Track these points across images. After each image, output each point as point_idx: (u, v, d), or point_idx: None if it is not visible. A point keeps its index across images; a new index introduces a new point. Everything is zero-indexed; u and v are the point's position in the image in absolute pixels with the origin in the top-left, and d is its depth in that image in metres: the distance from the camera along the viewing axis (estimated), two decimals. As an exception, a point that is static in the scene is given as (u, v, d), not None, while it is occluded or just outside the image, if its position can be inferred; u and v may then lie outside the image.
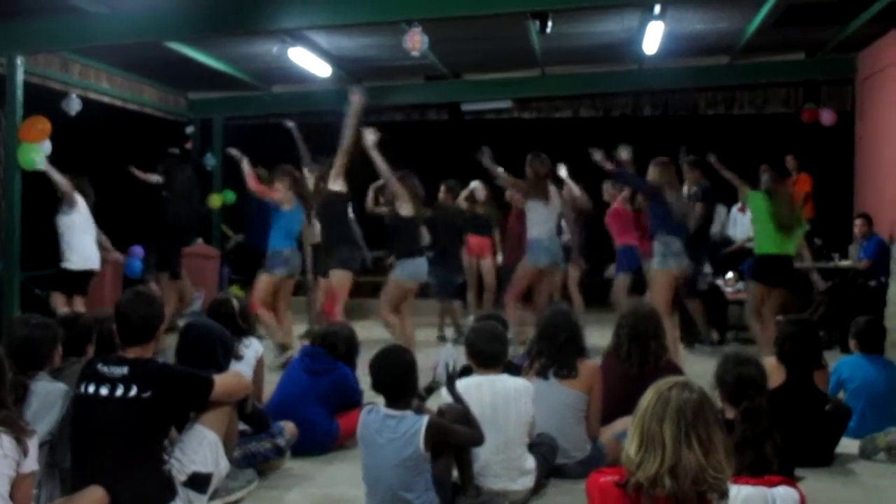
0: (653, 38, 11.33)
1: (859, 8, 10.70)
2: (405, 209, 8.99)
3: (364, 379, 6.61)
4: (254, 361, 6.26)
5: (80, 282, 9.85)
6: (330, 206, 9.49)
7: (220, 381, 4.87)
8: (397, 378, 4.69)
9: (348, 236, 9.66)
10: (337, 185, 9.23)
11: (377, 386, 4.73)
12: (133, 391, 4.40)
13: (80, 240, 9.83)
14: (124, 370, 4.46)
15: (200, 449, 4.76)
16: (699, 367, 7.03)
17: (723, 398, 4.55)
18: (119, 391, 4.41)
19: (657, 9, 10.02)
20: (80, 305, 9.55)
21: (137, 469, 4.44)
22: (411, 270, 9.00)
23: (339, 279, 9.30)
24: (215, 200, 14.87)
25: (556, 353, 5.67)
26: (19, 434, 3.84)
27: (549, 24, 9.80)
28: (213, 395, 4.75)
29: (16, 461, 3.81)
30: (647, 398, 3.30)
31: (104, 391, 4.43)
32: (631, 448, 3.26)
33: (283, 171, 9.86)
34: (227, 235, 14.79)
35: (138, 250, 11.56)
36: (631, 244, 10.47)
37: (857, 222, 11.09)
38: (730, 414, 4.42)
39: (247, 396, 5.33)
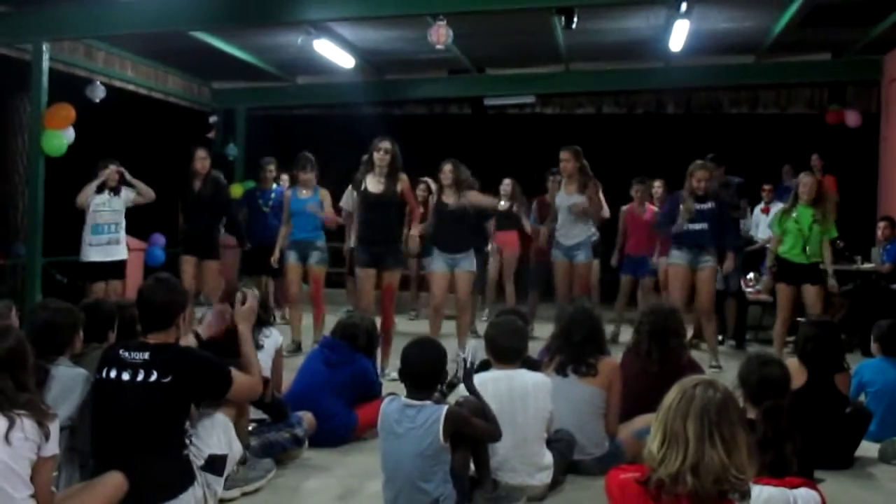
0: (678, 35, 11.27)
1: (887, 9, 10.63)
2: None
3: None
4: (273, 351, 6.26)
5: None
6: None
7: (238, 381, 4.82)
8: (429, 368, 4.70)
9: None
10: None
11: (405, 374, 4.73)
12: (153, 376, 4.41)
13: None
14: (145, 355, 4.46)
15: (213, 431, 4.78)
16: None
17: (745, 398, 4.53)
18: (140, 376, 4.42)
19: (683, 6, 9.96)
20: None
21: (157, 454, 4.45)
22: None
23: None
24: (237, 190, 14.88)
25: (575, 350, 5.66)
26: (41, 418, 3.85)
27: (575, 19, 9.77)
28: (230, 392, 4.76)
29: (37, 444, 3.83)
30: (672, 395, 3.28)
31: (126, 376, 4.44)
32: (653, 444, 3.24)
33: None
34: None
35: (159, 238, 11.60)
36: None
37: (881, 225, 11.02)
38: (752, 414, 4.40)
39: (266, 385, 5.33)
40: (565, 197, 9.72)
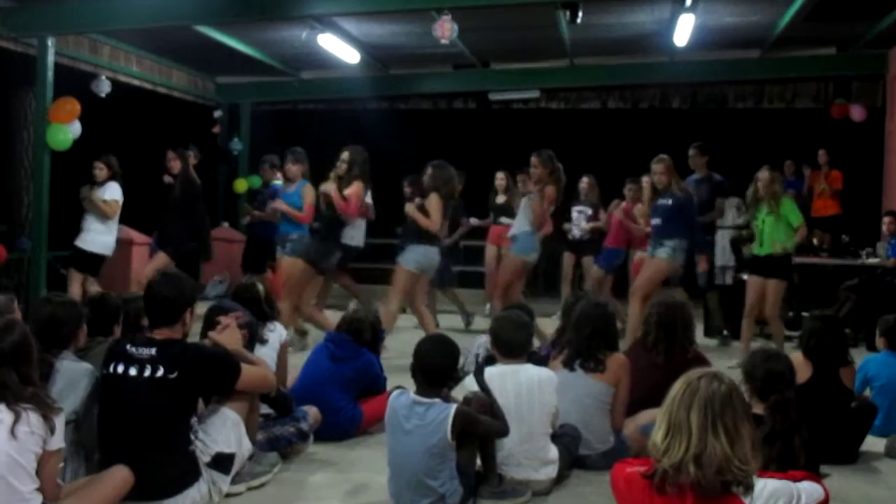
0: (683, 30, 11.27)
1: (892, 4, 10.61)
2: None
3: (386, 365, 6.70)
4: (278, 345, 6.27)
5: None
6: None
7: (247, 371, 4.86)
8: (442, 364, 4.71)
9: None
10: None
11: (418, 369, 4.73)
12: (160, 372, 4.43)
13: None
14: (152, 351, 4.48)
15: (223, 429, 4.78)
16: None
17: (751, 393, 4.53)
18: (147, 372, 4.44)
19: (689, 0, 9.96)
20: None
21: (163, 449, 4.46)
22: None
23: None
24: (241, 185, 14.92)
25: (584, 345, 5.65)
26: (46, 411, 3.86)
27: (580, 14, 9.77)
28: (238, 383, 4.76)
29: (42, 438, 3.84)
30: (677, 387, 3.30)
31: (132, 371, 4.45)
32: (658, 435, 3.26)
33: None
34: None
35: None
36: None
37: (886, 220, 10.99)
38: (757, 408, 4.40)
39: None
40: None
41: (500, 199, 11.94)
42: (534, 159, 9.20)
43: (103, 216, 9.78)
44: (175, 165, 10.05)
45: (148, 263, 10.25)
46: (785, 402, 4.31)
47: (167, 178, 10.18)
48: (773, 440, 4.11)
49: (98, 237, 9.79)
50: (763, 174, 8.91)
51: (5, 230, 12.24)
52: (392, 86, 15.23)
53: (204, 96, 15.33)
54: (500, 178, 11.99)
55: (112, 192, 9.79)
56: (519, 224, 9.20)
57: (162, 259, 9.91)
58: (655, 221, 9.13)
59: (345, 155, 8.78)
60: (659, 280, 9.21)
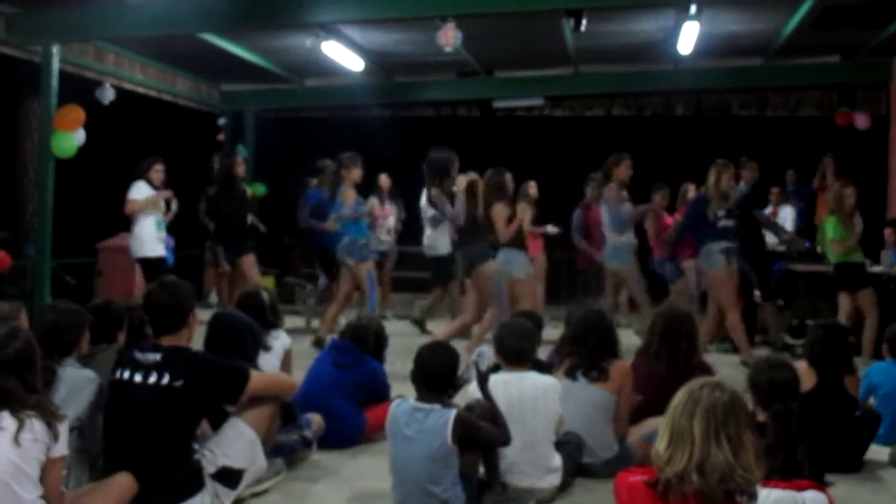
0: (688, 37, 11.27)
1: (896, 12, 10.63)
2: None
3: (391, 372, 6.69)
4: (282, 353, 6.29)
5: None
6: None
7: (260, 376, 4.87)
8: (442, 371, 4.72)
9: None
10: None
11: (418, 376, 4.73)
12: (165, 379, 4.42)
13: None
14: (157, 357, 4.48)
15: (236, 444, 4.75)
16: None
17: (755, 402, 4.52)
18: (152, 378, 4.43)
19: (693, 8, 9.97)
20: None
21: (166, 457, 4.45)
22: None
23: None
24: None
25: (587, 355, 5.65)
26: (50, 418, 3.85)
27: (584, 22, 9.78)
28: (248, 389, 4.74)
29: (46, 445, 3.83)
30: (679, 396, 3.30)
31: (138, 377, 4.45)
32: (661, 444, 3.26)
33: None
34: (257, 227, 14.82)
35: (169, 240, 11.61)
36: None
37: (887, 231, 10.99)
38: (761, 417, 4.39)
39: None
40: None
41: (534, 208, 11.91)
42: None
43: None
44: (241, 170, 10.20)
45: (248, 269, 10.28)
46: (787, 413, 4.30)
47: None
48: (776, 451, 4.10)
49: None
50: (851, 190, 9.21)
51: (10, 237, 12.26)
52: (396, 93, 15.26)
53: (208, 103, 15.34)
54: (533, 188, 11.98)
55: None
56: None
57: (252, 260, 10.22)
58: (730, 224, 9.31)
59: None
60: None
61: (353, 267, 9.78)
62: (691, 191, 10.76)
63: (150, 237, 9.72)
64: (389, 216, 12.55)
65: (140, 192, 9.71)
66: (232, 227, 10.47)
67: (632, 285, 9.91)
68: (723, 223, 9.40)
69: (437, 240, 10.97)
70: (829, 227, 9.67)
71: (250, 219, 11.15)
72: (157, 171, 9.83)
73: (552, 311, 10.50)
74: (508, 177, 8.95)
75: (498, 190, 8.82)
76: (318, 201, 11.28)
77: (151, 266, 9.77)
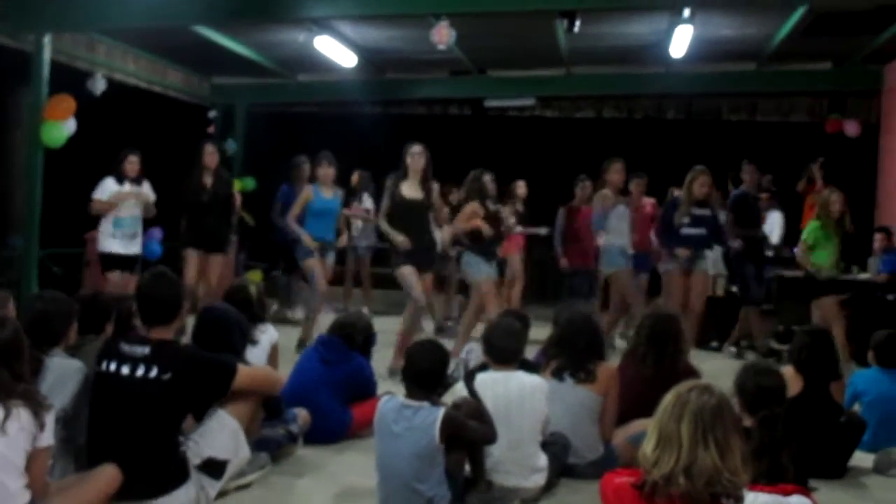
0: (680, 41, 11.30)
1: (888, 20, 10.65)
2: None
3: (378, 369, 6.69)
4: (269, 347, 6.30)
5: None
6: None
7: (246, 371, 4.89)
8: (431, 369, 4.73)
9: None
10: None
11: (407, 373, 4.74)
12: (154, 372, 4.43)
13: None
14: (146, 350, 4.48)
15: (220, 435, 4.77)
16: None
17: (741, 406, 4.53)
18: (140, 371, 4.44)
19: (686, 12, 10.00)
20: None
21: (152, 450, 4.46)
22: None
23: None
24: (234, 186, 14.88)
25: (574, 356, 5.66)
26: (37, 408, 3.85)
27: (577, 23, 9.78)
28: (235, 383, 4.75)
29: (32, 435, 3.82)
30: (667, 399, 3.32)
31: (125, 370, 4.45)
32: (648, 446, 3.28)
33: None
34: (246, 221, 14.80)
35: (157, 232, 11.58)
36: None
37: (877, 237, 11.04)
38: (747, 422, 4.40)
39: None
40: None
41: (520, 207, 11.92)
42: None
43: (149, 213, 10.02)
44: (213, 160, 9.98)
45: (210, 268, 10.04)
46: (773, 418, 4.31)
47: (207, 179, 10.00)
48: (762, 455, 4.12)
49: None
50: (837, 195, 9.26)
51: (-3, 227, 12.22)
52: (388, 90, 15.24)
53: (199, 96, 15.30)
54: (521, 187, 12.00)
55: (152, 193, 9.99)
56: None
57: (223, 262, 10.07)
58: (698, 231, 9.29)
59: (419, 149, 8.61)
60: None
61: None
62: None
63: (106, 233, 9.66)
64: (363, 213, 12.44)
65: (104, 190, 9.62)
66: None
67: (622, 289, 9.91)
68: (686, 231, 9.48)
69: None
70: (806, 231, 9.79)
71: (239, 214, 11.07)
72: (131, 163, 9.68)
73: (539, 312, 10.51)
74: (487, 178, 8.98)
75: (475, 191, 8.93)
76: (286, 198, 11.26)
77: (105, 260, 9.79)
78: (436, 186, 8.76)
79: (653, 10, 10.70)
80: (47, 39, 10.26)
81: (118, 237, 9.66)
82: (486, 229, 8.69)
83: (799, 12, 10.34)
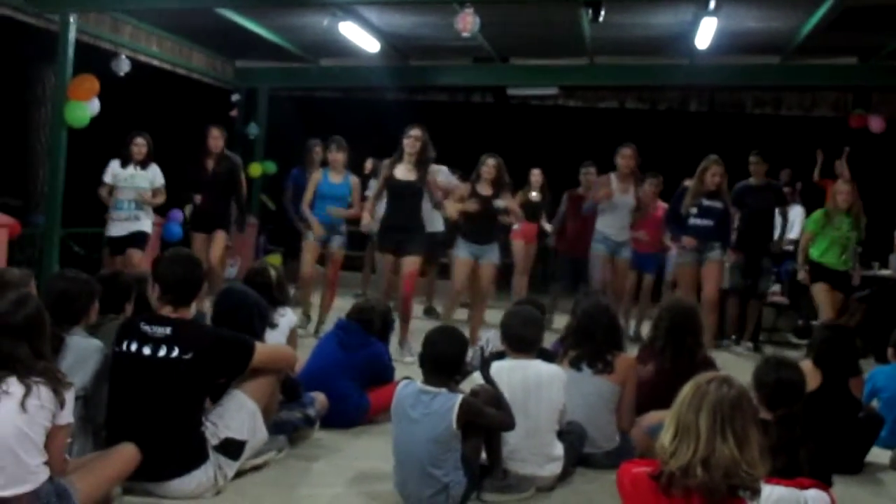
0: (705, 33, 11.24)
1: (917, 15, 10.57)
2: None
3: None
4: (287, 330, 6.34)
5: None
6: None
7: (263, 348, 4.92)
8: (450, 355, 4.73)
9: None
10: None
11: (426, 359, 4.75)
12: (175, 352, 4.46)
13: None
14: (167, 330, 4.51)
15: (238, 416, 4.78)
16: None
17: (760, 400, 4.52)
18: (162, 352, 4.46)
19: (712, 4, 9.95)
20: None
21: (173, 430, 4.49)
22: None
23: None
24: (255, 170, 14.93)
25: (593, 346, 5.66)
26: (57, 386, 3.86)
27: (602, 12, 9.74)
28: (253, 361, 4.77)
29: (52, 412, 3.84)
30: (686, 391, 3.31)
31: (147, 351, 4.48)
32: (666, 437, 3.27)
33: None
34: (267, 205, 14.83)
35: (177, 214, 11.62)
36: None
37: (896, 235, 10.97)
38: (765, 415, 4.39)
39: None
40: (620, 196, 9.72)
41: (535, 196, 11.93)
42: (627, 150, 9.72)
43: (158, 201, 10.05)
44: (219, 144, 9.99)
45: (210, 246, 10.02)
46: (792, 417, 4.31)
47: (210, 163, 10.02)
48: (779, 452, 4.11)
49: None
50: (844, 186, 9.13)
51: (20, 205, 12.28)
52: (411, 77, 15.21)
53: (222, 79, 15.32)
54: (536, 175, 11.98)
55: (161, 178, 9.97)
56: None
57: (223, 240, 10.04)
58: (705, 223, 9.24)
59: (417, 132, 8.65)
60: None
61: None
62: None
63: (110, 217, 9.78)
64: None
65: (108, 174, 9.72)
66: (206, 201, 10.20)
67: (591, 271, 9.85)
68: (694, 221, 9.41)
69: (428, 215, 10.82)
70: (809, 220, 9.76)
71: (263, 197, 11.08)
72: (137, 146, 9.69)
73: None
74: (491, 162, 8.89)
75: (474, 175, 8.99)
76: (297, 181, 11.27)
77: (110, 244, 9.92)
78: (443, 169, 8.76)
79: (678, 2, 10.65)
80: (72, 19, 10.30)
81: (115, 220, 9.72)
82: (467, 207, 8.68)
83: (826, 6, 10.27)
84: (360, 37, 12.44)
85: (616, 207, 9.64)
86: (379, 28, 12.63)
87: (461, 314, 9.94)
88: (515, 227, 10.97)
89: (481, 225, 8.84)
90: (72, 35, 10.29)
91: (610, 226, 9.67)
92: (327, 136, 9.97)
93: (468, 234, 8.90)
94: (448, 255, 11.26)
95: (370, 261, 12.75)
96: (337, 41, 12.76)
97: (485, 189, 8.85)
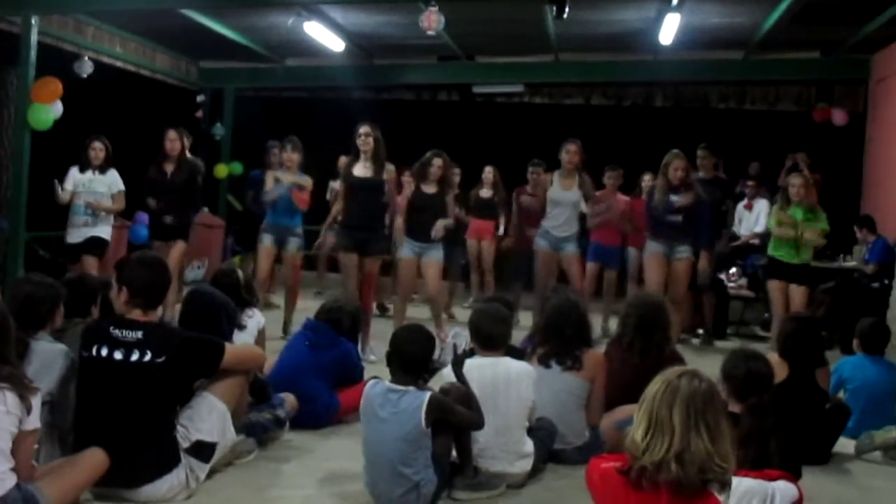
0: (669, 29, 11.29)
1: (877, 9, 10.65)
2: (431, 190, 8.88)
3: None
4: (255, 332, 6.32)
5: None
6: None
7: (232, 349, 4.91)
8: (417, 353, 4.73)
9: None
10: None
11: (393, 357, 4.75)
12: (148, 356, 4.44)
13: None
14: (139, 334, 4.49)
15: (209, 418, 4.76)
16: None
17: (729, 392, 4.55)
18: (134, 356, 4.45)
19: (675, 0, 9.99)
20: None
21: (145, 435, 4.47)
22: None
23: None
24: (221, 171, 14.88)
25: (561, 344, 5.68)
26: (23, 391, 3.83)
27: (566, 10, 9.74)
28: (224, 361, 4.76)
29: (18, 418, 3.80)
30: (656, 386, 3.31)
31: (118, 355, 4.45)
32: (637, 433, 3.27)
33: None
34: (233, 206, 14.77)
35: (144, 217, 11.54)
36: None
37: (861, 230, 11.00)
38: (734, 408, 4.42)
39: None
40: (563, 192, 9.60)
41: (486, 193, 12.00)
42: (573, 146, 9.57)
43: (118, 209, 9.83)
44: (176, 147, 9.73)
45: (168, 255, 9.50)
46: (763, 407, 4.34)
47: (168, 167, 9.75)
48: (749, 442, 4.14)
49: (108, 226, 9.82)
50: (797, 179, 9.10)
51: (-17, 209, 12.17)
52: (376, 76, 15.20)
53: (187, 80, 15.25)
54: (487, 172, 12.04)
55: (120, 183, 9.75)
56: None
57: (181, 250, 9.77)
58: (674, 219, 9.20)
59: (367, 129, 8.62)
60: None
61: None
62: (647, 181, 10.77)
63: (69, 224, 9.61)
64: None
65: (68, 180, 9.52)
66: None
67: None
68: (669, 217, 9.35)
69: None
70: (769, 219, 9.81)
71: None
72: (94, 150, 9.51)
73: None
74: (437, 161, 8.80)
75: (416, 174, 8.98)
76: (254, 184, 11.25)
77: (67, 251, 9.73)
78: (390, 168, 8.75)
79: (642, -3, 10.71)
80: (35, 21, 10.20)
81: (73, 225, 9.54)
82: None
83: (788, 1, 10.34)
84: (325, 36, 12.42)
85: (558, 204, 9.54)
86: (343, 27, 12.62)
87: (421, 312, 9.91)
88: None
89: (426, 222, 8.77)
90: (34, 37, 10.20)
91: (552, 222, 9.58)
92: (299, 137, 9.91)
93: (414, 235, 8.88)
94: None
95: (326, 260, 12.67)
96: (302, 41, 12.73)
97: (429, 187, 8.84)
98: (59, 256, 10.67)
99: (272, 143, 11.29)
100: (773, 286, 9.26)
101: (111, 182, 9.67)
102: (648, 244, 9.53)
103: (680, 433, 3.18)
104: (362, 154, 8.54)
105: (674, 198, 9.28)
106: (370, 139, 8.51)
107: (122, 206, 9.85)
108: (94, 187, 9.56)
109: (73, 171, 9.52)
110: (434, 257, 8.85)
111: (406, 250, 8.88)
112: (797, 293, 9.07)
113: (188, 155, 10.13)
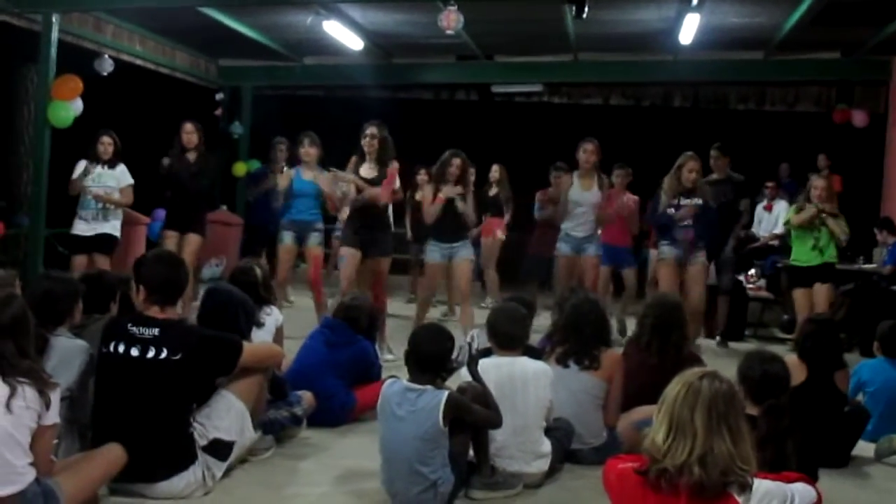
0: (688, 29, 11.24)
1: (899, 10, 10.60)
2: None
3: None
4: (273, 329, 6.31)
5: None
6: None
7: (250, 347, 4.92)
8: (436, 353, 4.73)
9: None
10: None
11: (411, 356, 4.75)
12: (164, 353, 4.46)
13: None
14: (155, 332, 4.50)
15: (227, 416, 4.78)
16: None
17: (746, 394, 4.53)
18: (150, 353, 4.47)
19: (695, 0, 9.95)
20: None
21: (162, 431, 4.49)
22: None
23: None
24: (240, 168, 14.90)
25: (579, 343, 5.67)
26: (42, 386, 3.85)
27: (586, 9, 9.71)
28: (241, 359, 4.77)
29: (37, 413, 3.83)
30: (676, 388, 3.29)
31: (135, 352, 4.48)
32: (658, 436, 3.25)
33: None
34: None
35: (162, 214, 11.57)
36: None
37: (881, 232, 10.95)
38: (751, 410, 4.40)
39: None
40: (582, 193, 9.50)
41: (493, 191, 12.00)
42: (590, 146, 9.36)
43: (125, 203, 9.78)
44: (192, 140, 9.66)
45: (181, 248, 9.49)
46: (779, 408, 4.32)
47: (166, 161, 9.64)
48: (766, 444, 4.12)
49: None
50: (819, 181, 9.01)
51: (4, 206, 12.22)
52: (395, 75, 15.19)
53: (206, 78, 15.29)
54: (494, 171, 12.04)
55: (129, 177, 9.72)
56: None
57: (196, 243, 9.69)
58: (684, 223, 9.01)
59: (372, 130, 8.56)
60: None
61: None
62: None
63: (77, 216, 9.59)
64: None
65: (77, 172, 9.54)
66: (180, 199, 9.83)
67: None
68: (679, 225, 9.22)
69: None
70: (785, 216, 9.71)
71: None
72: (104, 144, 9.51)
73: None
74: (456, 161, 8.58)
75: (436, 175, 8.77)
76: (257, 180, 11.23)
77: (73, 241, 9.68)
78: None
79: (662, -3, 10.67)
80: (55, 19, 10.24)
81: (82, 218, 9.54)
82: (432, 210, 8.63)
83: (809, 1, 10.29)
84: (343, 35, 12.43)
85: (579, 204, 9.43)
86: (362, 26, 12.62)
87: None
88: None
89: (451, 223, 8.65)
90: (54, 35, 10.24)
91: (572, 223, 9.48)
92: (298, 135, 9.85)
93: (437, 237, 8.77)
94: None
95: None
96: (321, 39, 12.74)
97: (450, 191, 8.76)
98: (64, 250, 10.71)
99: (279, 140, 11.29)
100: (798, 294, 9.16)
101: (120, 175, 9.66)
102: (661, 248, 9.31)
103: (703, 436, 3.16)
104: (367, 155, 8.54)
105: (684, 201, 9.04)
106: (375, 141, 8.47)
107: (131, 199, 9.80)
108: (104, 181, 9.56)
109: (82, 165, 9.52)
110: (465, 255, 8.78)
111: (434, 254, 8.75)
112: (821, 292, 8.98)
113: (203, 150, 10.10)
